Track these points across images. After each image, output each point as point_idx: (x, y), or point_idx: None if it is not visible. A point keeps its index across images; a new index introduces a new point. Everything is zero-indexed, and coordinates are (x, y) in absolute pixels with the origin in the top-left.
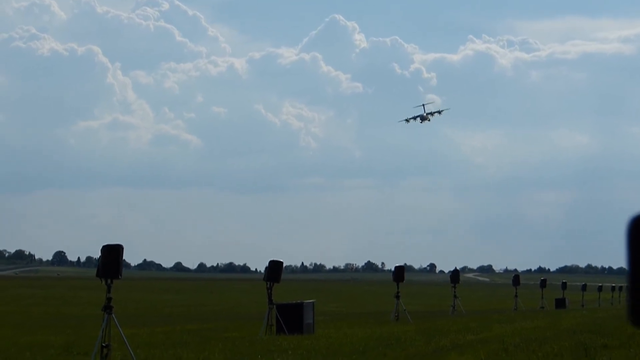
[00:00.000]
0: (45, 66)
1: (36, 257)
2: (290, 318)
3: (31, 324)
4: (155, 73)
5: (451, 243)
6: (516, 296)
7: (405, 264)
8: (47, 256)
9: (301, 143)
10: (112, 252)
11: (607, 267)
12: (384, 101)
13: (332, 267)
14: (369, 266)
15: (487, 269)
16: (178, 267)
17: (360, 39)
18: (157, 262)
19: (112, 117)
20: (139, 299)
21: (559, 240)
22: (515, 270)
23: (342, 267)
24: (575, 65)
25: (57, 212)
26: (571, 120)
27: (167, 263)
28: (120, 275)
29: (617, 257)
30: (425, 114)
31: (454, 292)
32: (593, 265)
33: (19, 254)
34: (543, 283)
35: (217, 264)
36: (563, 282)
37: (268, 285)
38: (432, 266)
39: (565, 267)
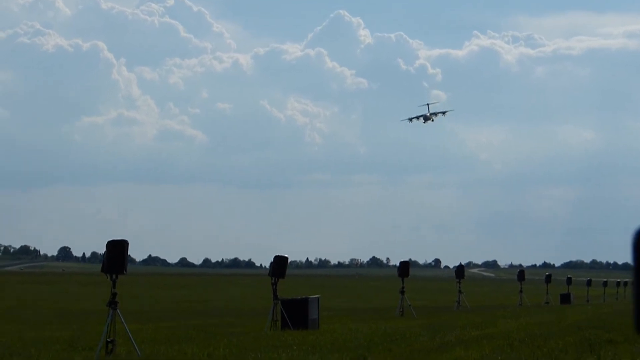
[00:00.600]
0: (50, 62)
1: (41, 253)
2: (295, 313)
3: (36, 320)
4: (160, 69)
5: (456, 238)
6: (521, 291)
7: (410, 259)
8: (52, 252)
9: (306, 139)
10: (117, 248)
11: (612, 262)
12: (389, 97)
13: (337, 263)
14: (374, 261)
15: (492, 265)
16: (183, 262)
17: (365, 35)
18: (162, 257)
19: (117, 113)
20: (144, 294)
21: (564, 235)
22: (520, 265)
23: (347, 263)
24: (580, 60)
25: (62, 207)
26: (576, 116)
27: (172, 258)
28: (126, 271)
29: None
30: (428, 114)
31: (459, 287)
32: (598, 260)
33: (24, 250)
34: (548, 278)
35: (222, 259)
36: (568, 278)
37: (273, 281)
38: (437, 261)
39: (570, 262)
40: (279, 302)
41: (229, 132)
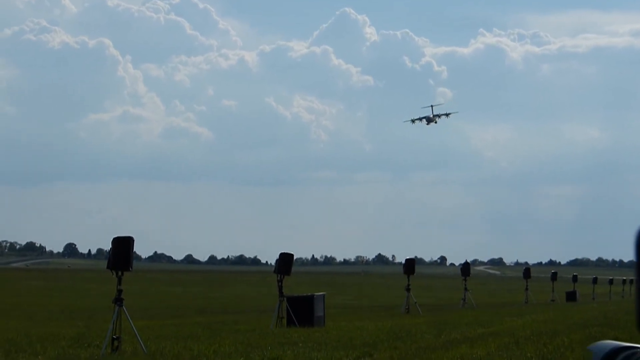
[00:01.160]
0: (56, 59)
1: (47, 249)
2: (301, 310)
3: (42, 316)
4: (165, 66)
5: (462, 236)
6: (527, 289)
7: (415, 256)
8: (58, 248)
9: (312, 136)
10: (123, 244)
11: (617, 260)
12: (395, 94)
13: (342, 260)
14: (380, 259)
15: (497, 262)
16: (189, 259)
17: (370, 33)
18: (167, 254)
19: (122, 110)
20: (149, 291)
21: (569, 233)
22: (526, 263)
23: (352, 260)
24: (586, 58)
25: (68, 204)
26: (582, 114)
27: (178, 255)
28: (131, 268)
29: (628, 250)
30: (432, 116)
31: (465, 285)
32: (604, 258)
33: (30, 246)
34: (554, 276)
35: (228, 256)
36: (574, 275)
37: (279, 278)
38: (443, 259)
39: (576, 260)
40: (285, 299)
41: (234, 130)
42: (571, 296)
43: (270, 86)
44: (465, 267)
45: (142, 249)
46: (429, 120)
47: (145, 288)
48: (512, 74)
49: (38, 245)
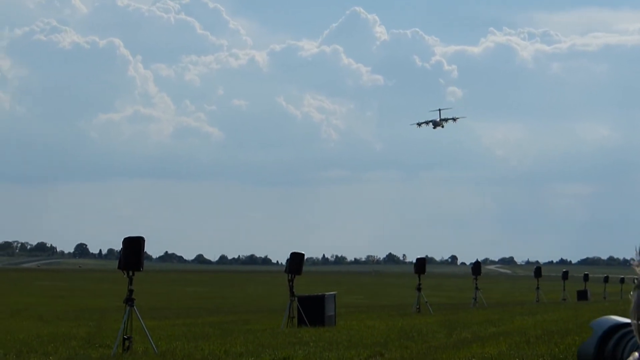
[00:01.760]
0: (66, 59)
1: (58, 250)
2: (312, 310)
3: (53, 316)
4: (176, 66)
5: (473, 235)
6: (538, 288)
7: (426, 255)
8: (69, 248)
9: (322, 135)
10: (134, 245)
11: (629, 258)
12: (405, 94)
13: (353, 259)
14: (391, 258)
15: (508, 261)
16: (199, 259)
17: (381, 32)
18: (178, 254)
19: (133, 110)
20: (160, 291)
21: (580, 232)
22: (537, 262)
23: (363, 259)
24: (596, 57)
25: (78, 204)
26: (592, 113)
27: (189, 255)
28: (142, 268)
29: None
30: (438, 120)
31: (476, 284)
32: (615, 257)
33: (41, 246)
34: (565, 275)
35: (239, 256)
36: (585, 274)
37: (289, 277)
38: (454, 258)
39: (587, 258)
40: (296, 298)
41: (245, 129)
42: (582, 295)
43: (281, 86)
44: (476, 266)
45: (153, 249)
46: (436, 124)
47: (156, 288)
48: (523, 72)
49: (49, 245)
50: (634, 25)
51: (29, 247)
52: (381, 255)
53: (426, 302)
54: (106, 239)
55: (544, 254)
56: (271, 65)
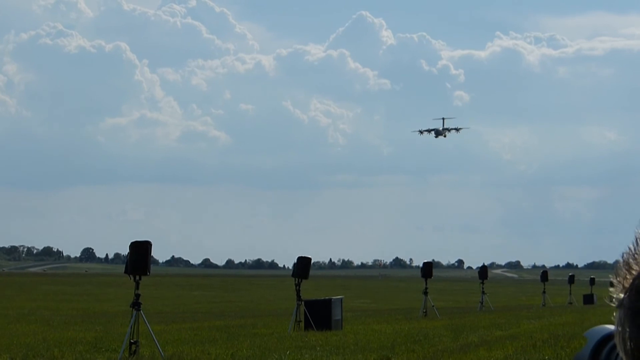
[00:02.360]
0: (72, 63)
1: (64, 254)
2: (319, 314)
3: (60, 321)
4: (182, 70)
5: (479, 239)
6: (544, 292)
7: (433, 260)
8: (76, 253)
9: (329, 140)
10: (141, 249)
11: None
12: (412, 98)
13: (360, 264)
14: (397, 262)
15: (515, 265)
16: (206, 263)
17: (387, 36)
18: (185, 258)
19: (140, 114)
20: (167, 295)
21: (587, 236)
22: (544, 266)
23: (370, 264)
24: (603, 61)
25: (85, 208)
26: (599, 117)
27: (195, 259)
28: (149, 272)
29: None
30: (441, 129)
31: (482, 288)
32: (619, 262)
33: (47, 251)
34: (571, 279)
35: (245, 260)
36: (591, 278)
37: (296, 282)
38: (460, 262)
39: (594, 263)
40: (303, 302)
41: (252, 133)
42: (588, 299)
43: (287, 90)
44: (483, 270)
45: (160, 253)
46: (438, 133)
47: (163, 292)
48: (529, 77)
49: (55, 250)
50: None
51: (35, 251)
52: (388, 259)
53: (433, 306)
54: (113, 243)
55: (551, 258)
56: (278, 70)
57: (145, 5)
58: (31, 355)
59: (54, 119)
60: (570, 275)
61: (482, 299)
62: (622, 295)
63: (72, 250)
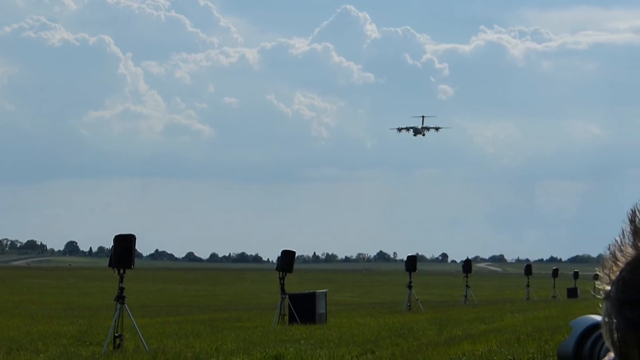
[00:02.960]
0: (56, 56)
1: (48, 247)
2: (303, 308)
3: (43, 314)
4: (166, 63)
5: (463, 233)
6: (528, 286)
7: (417, 253)
8: (59, 246)
9: (313, 133)
10: (125, 242)
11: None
12: (396, 92)
13: (344, 257)
14: (381, 256)
15: (499, 259)
16: (190, 257)
17: (371, 30)
18: (169, 252)
19: (123, 107)
20: (151, 289)
21: (570, 230)
22: (527, 260)
23: (354, 257)
24: (586, 55)
25: (68, 202)
26: (583, 111)
27: (179, 253)
28: (133, 265)
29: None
30: (420, 127)
31: (466, 281)
32: (605, 255)
33: (31, 244)
34: (555, 273)
35: (230, 254)
36: (575, 272)
37: (280, 275)
38: (444, 256)
39: (577, 256)
40: (287, 296)
41: (235, 127)
42: (572, 293)
43: (271, 83)
44: (467, 264)
45: (144, 247)
46: (417, 131)
47: (147, 286)
48: (513, 70)
49: (39, 243)
50: (625, 24)
51: (18, 244)
52: (372, 253)
53: (417, 299)
54: (96, 237)
55: (534, 252)
56: (262, 63)
57: None
58: (15, 348)
59: (37, 113)
60: (554, 269)
61: (466, 292)
62: (608, 287)
63: (56, 243)
